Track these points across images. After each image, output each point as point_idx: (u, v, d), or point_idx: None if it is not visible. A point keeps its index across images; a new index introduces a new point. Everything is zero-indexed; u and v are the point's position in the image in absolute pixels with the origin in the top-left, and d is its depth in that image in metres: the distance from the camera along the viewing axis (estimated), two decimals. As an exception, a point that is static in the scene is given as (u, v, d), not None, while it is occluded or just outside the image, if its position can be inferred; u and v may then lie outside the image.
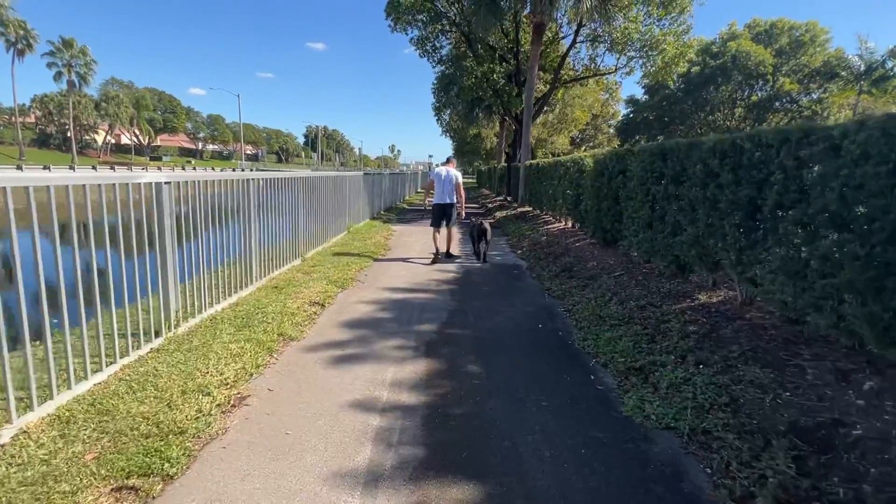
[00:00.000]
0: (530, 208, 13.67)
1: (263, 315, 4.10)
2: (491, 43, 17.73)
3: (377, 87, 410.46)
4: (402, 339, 3.84)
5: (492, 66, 17.13)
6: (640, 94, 43.31)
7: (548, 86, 18.06)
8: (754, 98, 36.12)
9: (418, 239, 9.42)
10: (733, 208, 3.55)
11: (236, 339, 3.50)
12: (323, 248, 7.46)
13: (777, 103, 35.31)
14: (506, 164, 21.10)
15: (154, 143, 77.65)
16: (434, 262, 7.08)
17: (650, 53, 15.19)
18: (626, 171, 5.59)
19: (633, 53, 15.85)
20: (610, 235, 6.35)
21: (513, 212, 14.02)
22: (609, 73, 17.68)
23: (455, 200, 7.35)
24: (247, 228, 4.89)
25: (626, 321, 3.98)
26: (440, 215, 7.33)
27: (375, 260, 7.15)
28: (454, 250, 7.60)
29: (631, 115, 43.42)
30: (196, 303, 3.92)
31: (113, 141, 70.79)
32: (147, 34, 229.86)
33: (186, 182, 3.76)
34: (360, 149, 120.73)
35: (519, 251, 8.13)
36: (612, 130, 44.43)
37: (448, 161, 7.72)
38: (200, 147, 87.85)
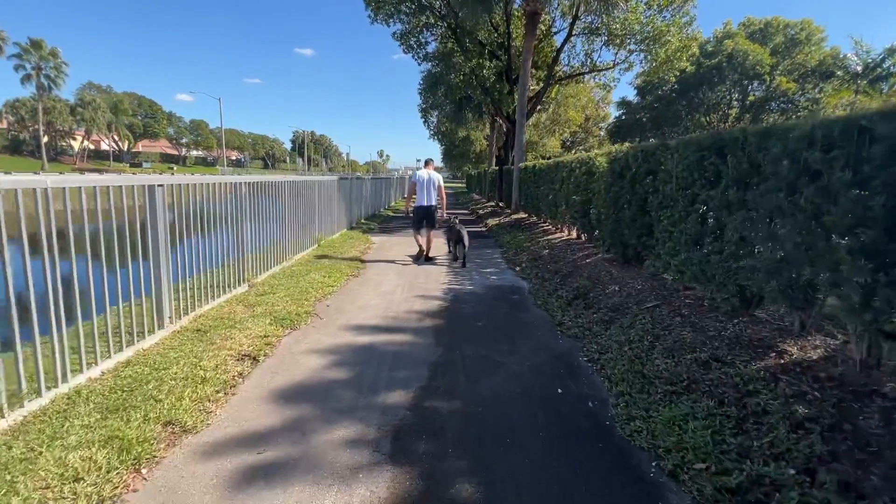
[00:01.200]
0: (525, 215, 12.46)
1: (158, 384, 2.79)
2: (480, 38, 16.53)
3: (366, 93, 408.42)
4: (359, 425, 2.55)
5: (481, 61, 15.91)
6: (631, 95, 42.64)
7: (541, 83, 16.90)
8: (751, 98, 35.43)
9: (399, 252, 8.15)
10: (853, 223, 2.34)
11: (88, 441, 2.19)
12: (281, 269, 6.13)
13: (773, 104, 34.65)
14: (497, 167, 19.86)
15: (135, 150, 75.34)
16: (416, 262, 7.29)
17: (652, 46, 14.07)
18: (659, 172, 4.37)
19: (633, 47, 14.74)
20: (633, 252, 5.14)
21: (506, 219, 12.81)
22: (607, 69, 16.57)
23: (437, 203, 7.33)
24: (153, 253, 3.58)
25: (687, 387, 2.75)
26: (422, 218, 7.26)
27: (345, 281, 5.85)
28: (433, 253, 7.55)
29: (623, 118, 42.60)
30: (52, 369, 2.61)
31: (91, 147, 68.44)
32: (134, 40, 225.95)
33: (35, 190, 2.43)
34: (348, 154, 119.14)
35: (518, 268, 6.89)
36: (602, 133, 43.58)
37: (427, 163, 7.61)
38: (184, 153, 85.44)
